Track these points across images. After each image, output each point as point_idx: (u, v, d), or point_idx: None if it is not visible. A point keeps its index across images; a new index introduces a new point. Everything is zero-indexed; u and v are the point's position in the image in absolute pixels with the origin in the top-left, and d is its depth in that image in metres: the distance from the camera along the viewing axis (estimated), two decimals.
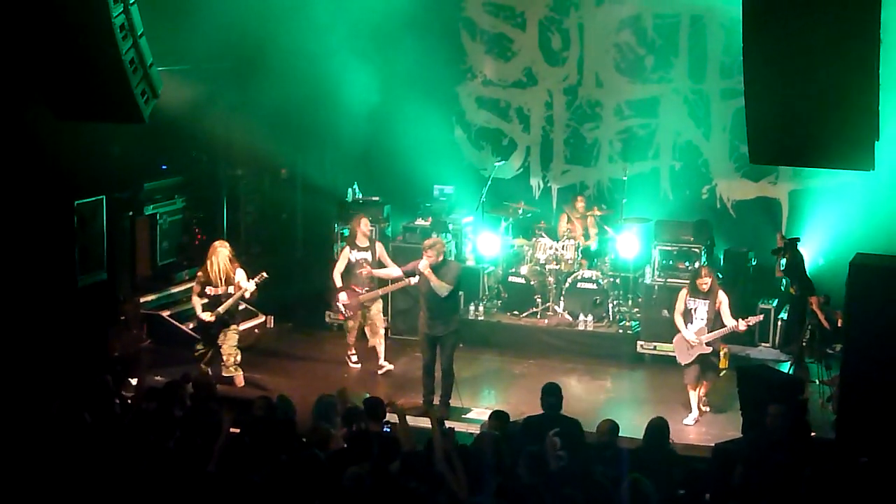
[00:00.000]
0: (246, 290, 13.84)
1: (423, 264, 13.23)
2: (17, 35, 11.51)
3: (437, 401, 13.45)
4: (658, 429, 9.91)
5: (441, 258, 13.35)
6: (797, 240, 15.14)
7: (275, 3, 16.13)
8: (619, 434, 10.03)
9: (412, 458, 8.64)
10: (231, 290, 13.87)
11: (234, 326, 14.06)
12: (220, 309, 13.80)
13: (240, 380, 13.92)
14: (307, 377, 14.53)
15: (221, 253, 13.98)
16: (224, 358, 13.92)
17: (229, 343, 13.93)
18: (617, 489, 8.30)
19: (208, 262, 14.00)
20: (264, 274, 14.02)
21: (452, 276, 13.39)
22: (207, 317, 13.79)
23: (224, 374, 13.89)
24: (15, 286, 13.39)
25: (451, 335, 13.47)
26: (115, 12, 11.08)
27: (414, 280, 13.67)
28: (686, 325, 13.19)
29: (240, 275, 13.94)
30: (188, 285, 16.94)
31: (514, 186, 18.52)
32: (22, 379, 11.66)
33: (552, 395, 10.39)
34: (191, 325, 15.82)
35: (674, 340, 13.40)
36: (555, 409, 10.34)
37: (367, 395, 10.84)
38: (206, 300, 13.90)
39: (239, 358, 14.00)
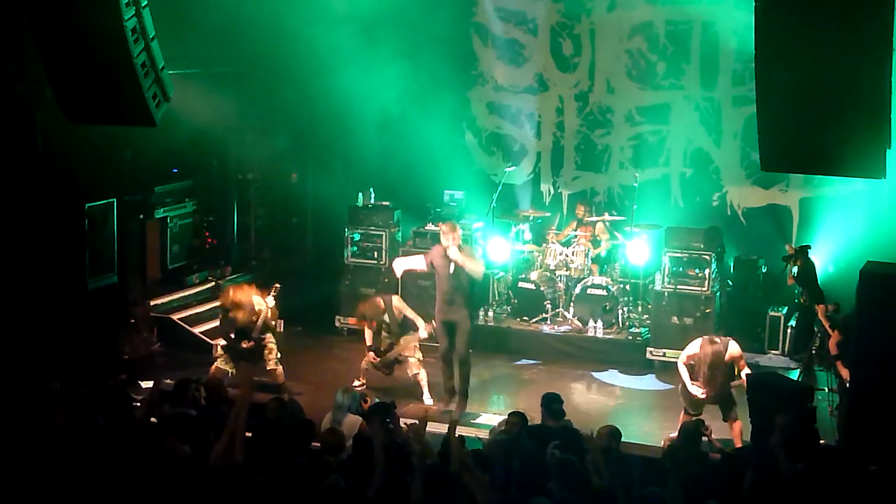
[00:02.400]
0: (268, 307, 13.81)
1: (455, 253, 13.18)
2: (30, 38, 11.54)
3: (456, 391, 13.59)
4: (692, 432, 9.95)
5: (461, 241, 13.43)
6: (808, 247, 15.08)
7: (286, 9, 16.15)
8: (628, 440, 10.02)
9: (428, 469, 8.57)
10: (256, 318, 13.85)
11: (269, 335, 14.04)
12: (254, 334, 13.78)
13: (281, 374, 13.92)
14: (317, 381, 14.52)
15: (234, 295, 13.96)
16: (266, 352, 13.93)
17: (270, 342, 13.96)
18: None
19: (235, 313, 13.92)
20: (277, 285, 14.02)
21: (479, 256, 13.48)
22: (246, 344, 13.80)
23: (268, 368, 13.86)
24: (26, 289, 13.43)
25: (465, 319, 13.48)
26: (126, 16, 11.10)
27: (424, 335, 13.85)
28: (691, 377, 12.45)
29: (256, 299, 13.92)
30: (198, 288, 17.07)
31: (525, 192, 18.55)
32: (32, 381, 11.65)
33: (555, 403, 10.44)
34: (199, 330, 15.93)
35: (679, 390, 12.74)
36: (556, 419, 10.36)
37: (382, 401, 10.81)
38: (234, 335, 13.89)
39: (279, 355, 13.99)
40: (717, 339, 12.45)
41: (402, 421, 10.10)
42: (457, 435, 8.93)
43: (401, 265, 14.06)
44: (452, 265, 13.25)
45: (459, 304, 13.43)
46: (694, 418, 12.29)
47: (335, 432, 9.71)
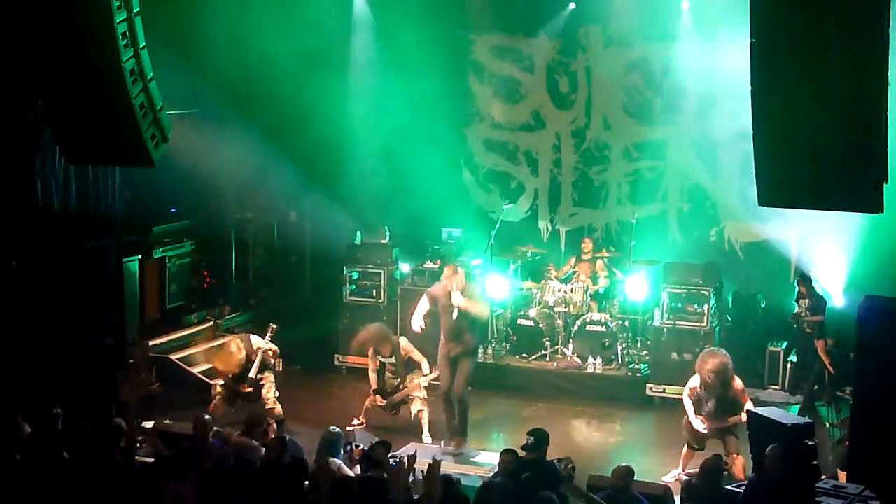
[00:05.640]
0: (264, 349, 13.85)
1: (459, 299, 13.21)
2: (30, 79, 11.59)
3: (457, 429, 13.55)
4: (713, 469, 9.96)
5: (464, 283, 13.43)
6: (807, 274, 15.17)
7: (283, 49, 16.21)
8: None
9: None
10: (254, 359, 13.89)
11: (267, 374, 14.04)
12: (252, 374, 13.79)
13: (278, 410, 13.93)
14: (316, 420, 14.46)
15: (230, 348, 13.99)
16: (265, 391, 13.93)
17: (269, 381, 13.99)
18: None
19: (232, 359, 13.95)
20: (273, 326, 14.03)
21: (482, 296, 13.57)
22: (245, 388, 13.81)
23: (267, 407, 13.88)
24: (24, 329, 13.40)
25: (468, 356, 13.46)
26: (125, 57, 11.16)
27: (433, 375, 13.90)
28: (696, 411, 12.48)
29: (254, 340, 13.92)
30: (197, 328, 17.03)
31: (523, 229, 18.56)
32: (30, 422, 11.63)
33: (531, 437, 10.45)
34: (198, 370, 15.88)
35: (683, 422, 12.71)
36: (533, 451, 10.37)
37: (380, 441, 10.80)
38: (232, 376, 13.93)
39: (277, 393, 14.01)
40: (718, 354, 12.46)
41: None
42: (440, 473, 8.91)
43: (417, 321, 13.95)
44: (454, 308, 13.28)
45: (462, 340, 13.43)
46: (694, 451, 12.36)
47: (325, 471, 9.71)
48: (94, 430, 10.25)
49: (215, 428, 10.99)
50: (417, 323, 13.89)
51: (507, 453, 10.16)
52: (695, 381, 12.53)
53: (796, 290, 15.38)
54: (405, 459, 9.10)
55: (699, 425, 12.38)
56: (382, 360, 14.10)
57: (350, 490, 8.40)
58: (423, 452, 11.13)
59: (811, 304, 15.04)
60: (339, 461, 10.59)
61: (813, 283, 15.23)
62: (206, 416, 10.98)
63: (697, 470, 10.51)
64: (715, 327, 15.53)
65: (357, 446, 10.85)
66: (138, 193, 15.82)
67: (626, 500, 9.49)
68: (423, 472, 8.86)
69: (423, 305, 13.83)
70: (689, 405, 12.50)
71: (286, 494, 8.79)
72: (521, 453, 10.42)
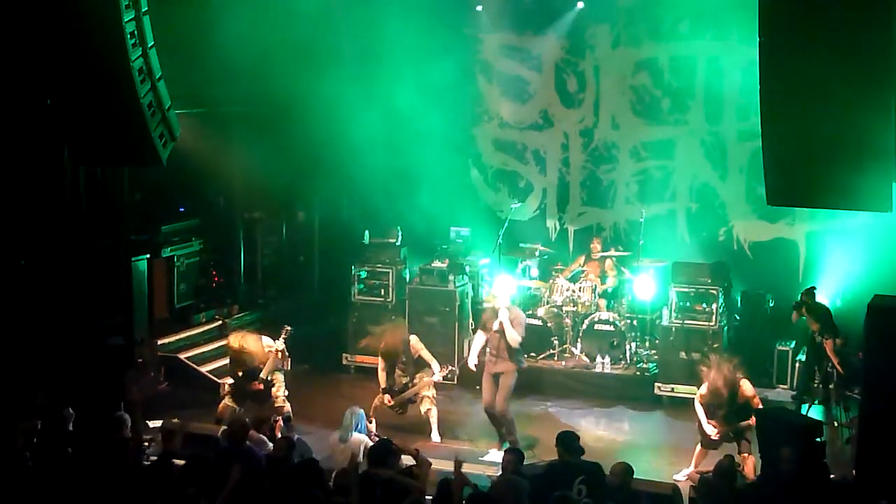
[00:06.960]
0: (278, 349, 13.80)
1: (504, 316, 13.23)
2: (39, 79, 11.61)
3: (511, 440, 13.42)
4: (727, 470, 9.98)
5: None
6: (813, 289, 15.03)
7: (292, 48, 16.22)
8: (636, 476, 9.99)
9: None
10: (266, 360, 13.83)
11: (277, 374, 13.98)
12: (263, 374, 13.72)
13: (287, 408, 13.91)
14: (325, 419, 14.47)
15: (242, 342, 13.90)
16: (274, 390, 13.89)
17: (278, 381, 13.95)
18: None
19: (240, 359, 13.87)
20: (288, 328, 13.99)
21: (523, 327, 13.54)
22: (255, 387, 13.78)
23: (276, 406, 13.82)
24: (33, 328, 13.43)
25: (509, 373, 13.42)
26: (133, 56, 11.18)
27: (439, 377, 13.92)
28: (708, 415, 12.46)
29: (265, 341, 13.89)
30: (206, 327, 17.03)
31: (531, 228, 18.54)
32: (40, 421, 11.65)
33: (575, 440, 10.38)
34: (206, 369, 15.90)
35: (696, 426, 12.67)
36: (578, 455, 10.31)
37: (383, 438, 10.83)
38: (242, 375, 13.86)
39: (287, 392, 13.94)
40: (727, 371, 12.40)
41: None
42: (462, 470, 8.92)
43: (473, 359, 13.89)
44: (498, 323, 13.27)
45: (505, 358, 13.38)
46: (708, 451, 12.42)
47: (346, 473, 9.71)
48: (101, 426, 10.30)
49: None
50: (473, 362, 13.83)
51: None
52: (704, 387, 12.51)
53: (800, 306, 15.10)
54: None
55: (711, 430, 12.37)
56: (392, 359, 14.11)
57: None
58: (433, 452, 11.17)
59: (819, 326, 14.76)
60: (364, 437, 11.34)
61: (812, 304, 14.92)
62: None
63: (710, 468, 10.49)
64: (723, 326, 15.51)
65: (369, 423, 11.07)
66: (147, 192, 15.85)
67: (625, 497, 9.47)
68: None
69: (479, 341, 13.81)
70: (700, 412, 12.48)
71: (299, 493, 8.80)
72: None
